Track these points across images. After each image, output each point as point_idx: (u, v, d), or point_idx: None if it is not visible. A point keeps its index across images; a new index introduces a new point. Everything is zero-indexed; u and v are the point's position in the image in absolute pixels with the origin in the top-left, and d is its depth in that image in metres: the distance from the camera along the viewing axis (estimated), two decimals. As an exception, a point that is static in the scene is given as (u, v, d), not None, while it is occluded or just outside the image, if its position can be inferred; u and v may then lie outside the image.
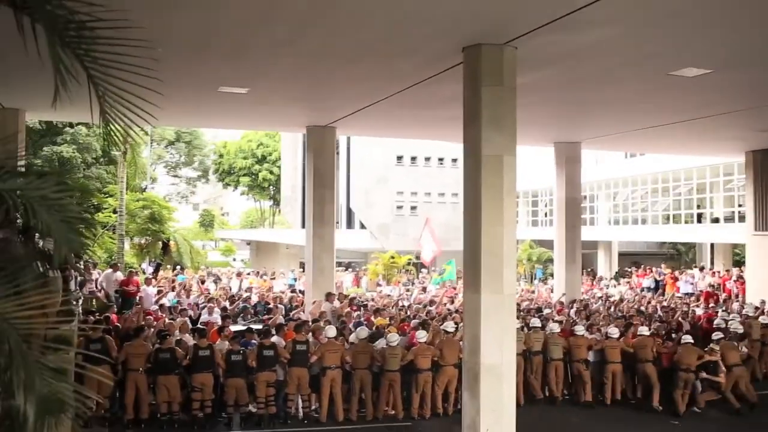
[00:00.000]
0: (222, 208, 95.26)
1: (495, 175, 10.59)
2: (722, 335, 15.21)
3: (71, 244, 5.32)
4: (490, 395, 10.57)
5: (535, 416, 13.59)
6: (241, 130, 57.77)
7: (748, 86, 13.91)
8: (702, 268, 32.97)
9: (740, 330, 16.08)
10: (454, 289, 25.16)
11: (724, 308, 20.69)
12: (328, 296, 18.83)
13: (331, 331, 13.83)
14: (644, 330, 15.04)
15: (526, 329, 15.30)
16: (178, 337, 13.67)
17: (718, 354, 14.39)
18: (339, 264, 32.03)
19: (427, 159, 50.35)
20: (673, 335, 15.96)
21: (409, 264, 34.75)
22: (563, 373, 14.82)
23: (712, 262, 39.06)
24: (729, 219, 31.68)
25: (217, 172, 67.34)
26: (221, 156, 66.61)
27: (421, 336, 13.92)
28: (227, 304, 19.83)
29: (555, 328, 15.01)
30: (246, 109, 17.42)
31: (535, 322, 15.44)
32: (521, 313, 17.99)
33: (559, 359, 14.75)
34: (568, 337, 15.03)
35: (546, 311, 18.60)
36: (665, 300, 23.87)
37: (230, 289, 23.95)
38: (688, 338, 14.60)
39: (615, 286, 29.44)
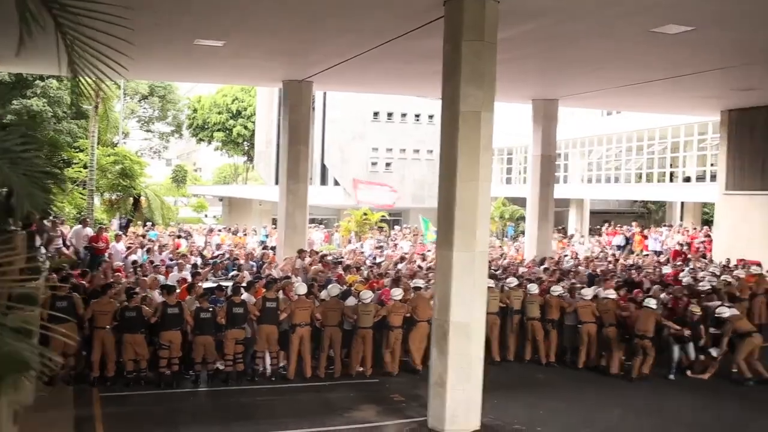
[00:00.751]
0: (195, 163, 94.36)
1: (472, 131, 10.47)
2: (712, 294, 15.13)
3: (34, 199, 5.15)
4: (459, 353, 10.61)
5: (502, 374, 13.68)
6: (217, 84, 56.85)
7: (729, 45, 13.84)
8: (671, 227, 33.37)
9: (707, 287, 16.14)
10: (424, 245, 25.24)
11: (691, 267, 20.90)
12: (300, 253, 18.76)
13: (302, 288, 13.76)
14: (611, 293, 14.86)
15: (505, 288, 15.32)
16: (144, 294, 13.47)
17: (699, 313, 14.18)
18: (312, 221, 31.88)
19: (404, 115, 49.99)
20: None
21: (381, 221, 34.68)
22: (543, 332, 14.83)
23: (681, 221, 39.49)
24: (700, 178, 31.92)
25: (191, 127, 66.46)
26: (195, 111, 65.67)
27: (396, 294, 13.91)
28: (198, 260, 19.67)
29: (533, 288, 15.03)
30: (222, 62, 17.10)
31: (513, 281, 15.49)
32: (495, 272, 18.02)
33: (535, 318, 14.80)
34: (544, 296, 15.05)
35: (522, 270, 18.61)
36: (635, 257, 24.09)
37: (202, 247, 23.74)
38: (650, 302, 14.03)
39: (581, 244, 29.67)
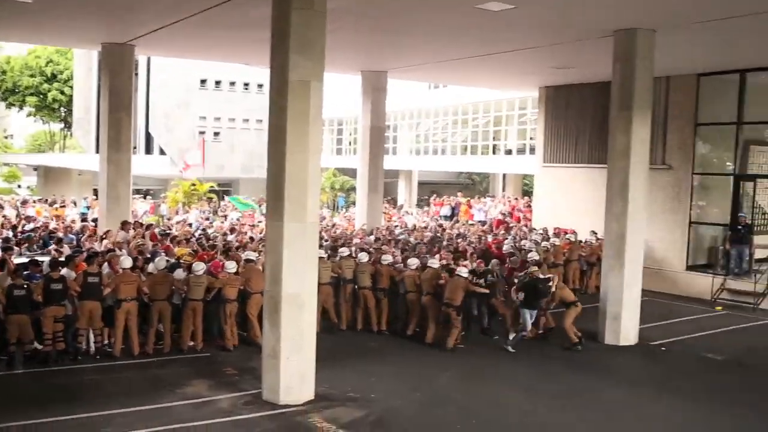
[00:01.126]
0: (5, 130, 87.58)
1: (301, 101, 10.36)
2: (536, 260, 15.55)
3: None
4: (291, 324, 10.57)
5: (336, 343, 13.79)
6: (28, 44, 52.79)
7: (547, 24, 14.52)
8: (494, 197, 34.99)
9: (536, 257, 16.93)
10: (252, 216, 24.97)
11: (512, 235, 21.96)
12: (124, 225, 17.97)
13: (127, 261, 13.14)
14: (434, 262, 15.02)
15: (338, 258, 15.38)
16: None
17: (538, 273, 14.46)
18: (137, 191, 30.63)
19: (232, 83, 48.94)
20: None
21: (210, 191, 33.84)
22: (374, 301, 15.01)
23: (503, 192, 41.49)
24: (521, 151, 33.61)
25: (0, 90, 61.50)
26: (4, 73, 60.68)
27: (230, 266, 13.65)
28: (10, 233, 18.34)
29: (364, 257, 15.18)
30: (32, 20, 15.84)
31: (344, 251, 15.60)
32: (326, 242, 18.10)
33: (367, 287, 14.96)
34: (375, 265, 15.24)
35: (356, 241, 18.77)
36: (459, 227, 25.01)
37: (15, 220, 22.17)
38: (462, 271, 13.90)
39: (410, 214, 30.46)
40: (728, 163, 20.43)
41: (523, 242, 19.24)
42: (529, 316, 13.88)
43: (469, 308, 14.77)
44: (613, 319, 14.65)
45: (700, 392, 11.81)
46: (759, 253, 19.41)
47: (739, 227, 18.99)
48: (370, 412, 10.44)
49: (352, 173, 31.80)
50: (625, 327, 14.62)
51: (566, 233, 20.87)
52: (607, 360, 13.76)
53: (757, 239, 19.42)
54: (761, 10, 12.46)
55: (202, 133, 47.59)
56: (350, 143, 44.18)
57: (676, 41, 15.26)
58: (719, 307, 18.48)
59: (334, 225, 24.38)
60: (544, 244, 18.86)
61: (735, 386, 12.22)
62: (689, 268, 20.47)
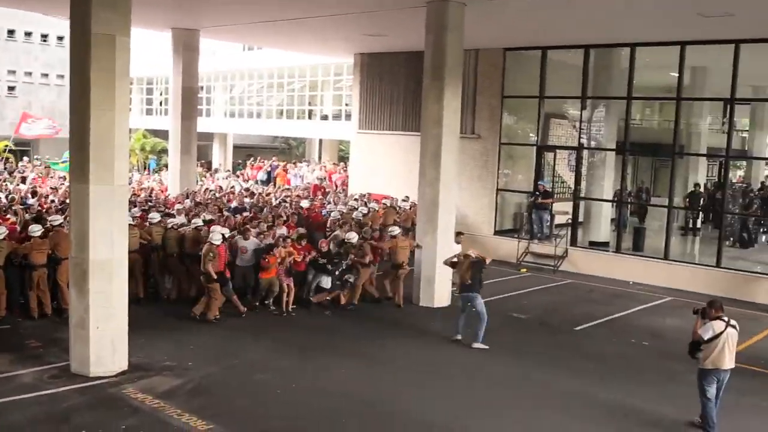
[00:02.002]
0: None
1: (106, 57, 9.77)
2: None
3: None
4: (100, 292, 10.06)
5: (148, 312, 13.27)
6: None
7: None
8: (309, 162, 35.02)
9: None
10: (44, 179, 23.45)
11: (329, 201, 22.11)
12: None
13: None
14: (282, 231, 15.06)
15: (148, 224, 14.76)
16: None
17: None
18: None
19: (28, 34, 45.25)
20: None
21: (5, 151, 31.24)
22: (183, 266, 14.52)
23: (320, 157, 41.63)
24: (337, 117, 33.78)
25: None
26: None
27: (35, 230, 12.80)
28: None
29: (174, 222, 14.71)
30: None
31: (155, 216, 15.01)
32: (136, 207, 17.30)
33: (175, 253, 14.47)
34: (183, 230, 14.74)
35: (178, 206, 17.99)
36: (276, 192, 24.80)
37: None
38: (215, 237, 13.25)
39: (227, 178, 29.83)
40: (531, 135, 21.66)
41: (340, 206, 19.43)
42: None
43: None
44: (427, 283, 15.17)
45: (510, 349, 12.45)
46: (559, 219, 20.84)
47: (537, 193, 20.22)
48: (188, 380, 10.18)
49: (163, 135, 30.51)
50: (438, 289, 15.19)
51: (381, 199, 21.21)
52: (423, 321, 14.16)
53: (557, 206, 20.81)
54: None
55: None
56: (161, 103, 42.41)
57: (484, 16, 15.81)
58: (524, 269, 19.68)
59: (150, 189, 23.36)
60: (361, 209, 19.09)
61: (540, 342, 13.01)
62: (497, 233, 21.60)
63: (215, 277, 12.94)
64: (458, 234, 15.97)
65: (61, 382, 9.89)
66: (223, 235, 13.48)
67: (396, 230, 15.38)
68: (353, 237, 14.97)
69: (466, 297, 12.41)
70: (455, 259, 13.11)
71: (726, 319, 8.92)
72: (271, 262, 13.69)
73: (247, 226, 14.99)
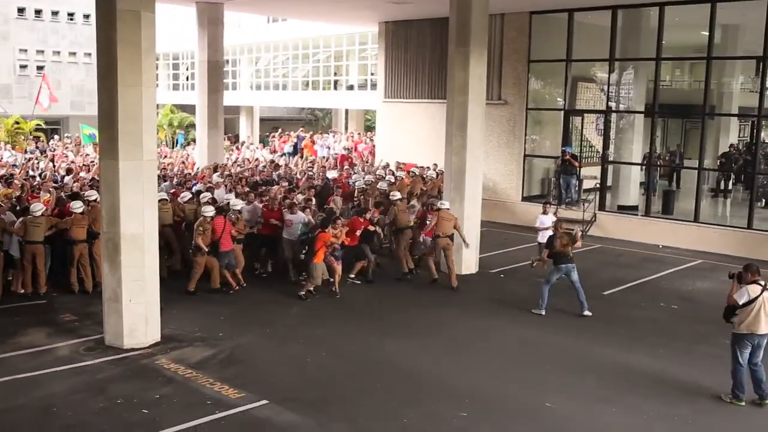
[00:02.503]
0: None
1: (132, 32, 9.84)
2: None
3: None
4: (132, 265, 10.25)
5: (179, 284, 13.42)
6: None
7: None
8: (335, 133, 34.99)
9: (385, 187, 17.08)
10: (88, 155, 23.71)
11: (356, 170, 22.08)
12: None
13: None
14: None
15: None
16: None
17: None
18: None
19: (55, 13, 45.51)
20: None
21: (37, 130, 31.70)
22: None
23: (346, 128, 41.58)
24: (362, 86, 33.67)
25: None
26: None
27: (77, 206, 12.98)
28: None
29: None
30: None
31: (186, 194, 15.10)
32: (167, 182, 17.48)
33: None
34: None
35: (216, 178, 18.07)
36: (304, 163, 24.88)
37: None
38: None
39: (253, 151, 29.88)
40: (558, 99, 21.44)
41: (367, 177, 19.41)
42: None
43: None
44: (455, 250, 15.19)
45: (538, 315, 12.50)
46: (587, 184, 20.67)
47: (565, 159, 20.05)
48: (220, 350, 10.36)
49: (191, 109, 30.73)
50: (466, 257, 15.19)
51: (408, 168, 21.13)
52: (450, 288, 14.13)
53: (585, 171, 20.62)
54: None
55: (23, 67, 44.14)
56: (187, 78, 42.56)
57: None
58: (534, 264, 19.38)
59: (184, 162, 23.58)
60: (389, 177, 19.05)
61: (570, 308, 12.95)
62: (524, 199, 21.49)
63: (205, 249, 12.96)
64: (547, 204, 15.85)
65: (96, 354, 10.11)
66: (222, 208, 13.58)
67: (397, 195, 15.30)
68: (397, 195, 15.13)
69: (567, 268, 12.52)
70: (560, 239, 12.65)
71: (762, 283, 8.77)
72: (317, 246, 12.94)
73: (291, 200, 14.81)
